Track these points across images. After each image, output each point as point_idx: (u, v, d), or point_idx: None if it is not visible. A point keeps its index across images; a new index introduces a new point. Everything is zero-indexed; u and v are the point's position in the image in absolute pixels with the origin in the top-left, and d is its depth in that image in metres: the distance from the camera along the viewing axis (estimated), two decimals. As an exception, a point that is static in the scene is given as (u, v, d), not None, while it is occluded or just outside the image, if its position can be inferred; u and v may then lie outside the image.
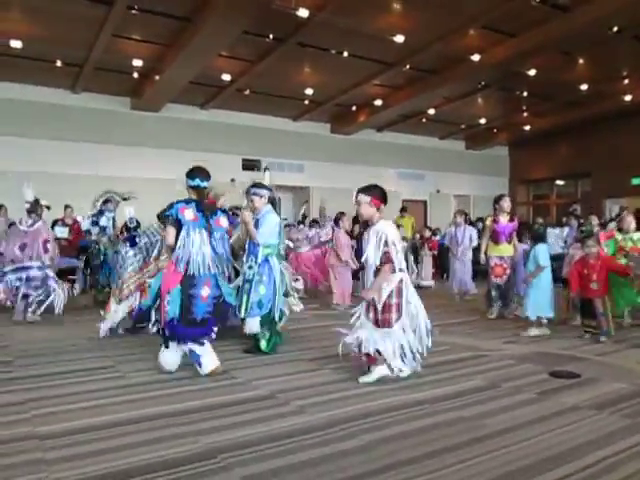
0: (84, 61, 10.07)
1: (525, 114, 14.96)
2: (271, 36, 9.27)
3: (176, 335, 4.25)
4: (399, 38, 9.09)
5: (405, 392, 3.77)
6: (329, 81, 11.70)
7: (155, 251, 5.92)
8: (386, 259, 3.91)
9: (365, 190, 4.15)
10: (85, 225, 6.31)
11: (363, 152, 15.29)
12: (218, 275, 4.35)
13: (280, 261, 5.11)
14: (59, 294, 6.73)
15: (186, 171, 4.43)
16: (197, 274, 4.19)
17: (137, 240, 5.97)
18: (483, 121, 15.30)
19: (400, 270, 3.99)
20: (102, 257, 7.55)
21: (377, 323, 3.96)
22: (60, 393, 3.79)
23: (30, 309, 6.87)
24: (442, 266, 11.50)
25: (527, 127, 15.76)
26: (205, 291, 4.25)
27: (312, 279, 8.87)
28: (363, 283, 5.74)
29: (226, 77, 11.02)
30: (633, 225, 6.28)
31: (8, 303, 6.82)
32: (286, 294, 5.14)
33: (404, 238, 9.52)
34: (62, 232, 8.88)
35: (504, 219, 6.90)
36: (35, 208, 7.03)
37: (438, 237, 12.01)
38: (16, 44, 9.13)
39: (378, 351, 3.94)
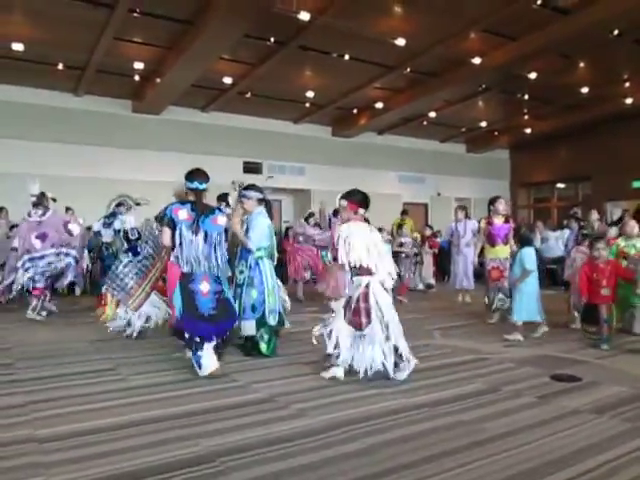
0: (86, 64, 10.07)
1: (526, 117, 14.95)
2: (272, 39, 9.27)
3: (185, 329, 4.32)
4: (400, 41, 9.09)
5: (406, 395, 3.77)
6: (330, 84, 11.71)
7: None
8: (333, 257, 4.00)
9: (345, 195, 4.32)
10: (96, 227, 6.34)
11: (364, 155, 15.29)
12: (216, 272, 4.41)
13: (272, 263, 5.07)
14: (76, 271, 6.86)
15: (185, 173, 4.54)
16: (193, 271, 4.31)
17: (139, 250, 5.97)
18: (484, 124, 15.30)
19: (369, 274, 4.03)
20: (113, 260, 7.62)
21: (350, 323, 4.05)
22: (60, 396, 3.79)
23: (37, 307, 7.02)
24: (443, 268, 11.51)
25: (528, 130, 15.76)
26: (204, 286, 4.33)
27: (314, 265, 9.02)
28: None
29: (227, 80, 11.03)
30: (636, 230, 6.14)
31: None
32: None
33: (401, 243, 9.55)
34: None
35: (499, 221, 6.85)
36: (41, 200, 7.14)
37: (439, 239, 12.02)
38: (18, 47, 9.13)
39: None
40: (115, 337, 5.85)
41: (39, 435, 3.05)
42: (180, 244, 4.30)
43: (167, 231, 4.37)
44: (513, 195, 18.16)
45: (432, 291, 10.61)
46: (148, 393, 3.85)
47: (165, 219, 4.42)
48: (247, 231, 4.98)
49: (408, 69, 10.88)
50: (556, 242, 10.74)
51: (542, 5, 8.22)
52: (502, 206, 6.91)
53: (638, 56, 10.52)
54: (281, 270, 9.99)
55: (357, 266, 4.07)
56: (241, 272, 5.00)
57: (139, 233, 6.13)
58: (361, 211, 4.24)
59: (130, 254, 5.91)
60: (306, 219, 9.65)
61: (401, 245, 9.46)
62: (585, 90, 12.18)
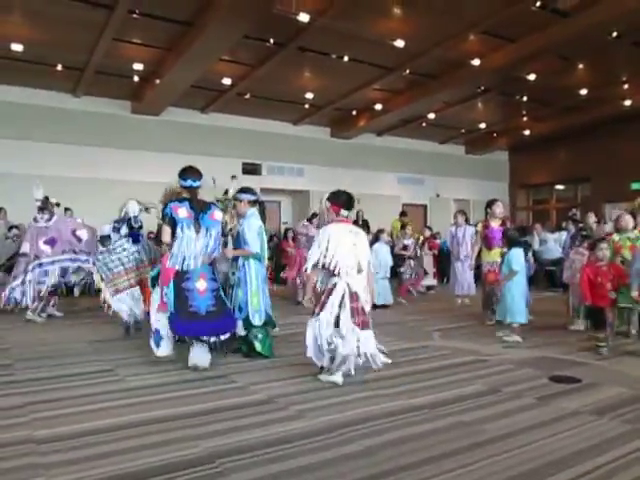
0: (85, 65, 10.07)
1: (525, 119, 14.98)
2: (272, 40, 9.27)
3: (175, 329, 4.39)
4: (399, 43, 9.10)
5: (405, 397, 3.76)
6: (329, 85, 11.72)
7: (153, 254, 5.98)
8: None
9: (329, 196, 4.36)
10: (105, 230, 6.38)
11: (363, 156, 15.29)
12: (214, 269, 4.52)
13: (261, 265, 5.05)
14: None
15: (178, 172, 4.64)
16: (190, 268, 4.37)
17: (140, 239, 6.01)
18: (483, 126, 15.32)
19: (338, 275, 4.03)
20: None
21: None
22: (59, 397, 3.78)
23: (37, 309, 7.07)
24: (442, 270, 11.51)
25: (527, 132, 15.77)
26: (201, 284, 4.41)
27: None
28: None
29: (227, 81, 11.03)
30: (631, 224, 6.06)
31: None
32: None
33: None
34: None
35: (495, 224, 6.81)
36: (46, 205, 7.21)
37: (439, 240, 12.02)
38: (17, 47, 9.12)
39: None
40: (114, 338, 5.85)
41: (38, 436, 3.04)
42: (179, 241, 4.37)
43: (167, 229, 4.45)
44: (512, 197, 18.17)
45: (431, 292, 10.62)
46: (147, 394, 3.84)
47: (166, 218, 4.48)
48: (238, 235, 5.01)
49: (407, 71, 10.89)
50: (555, 244, 10.75)
51: (541, 7, 8.23)
52: (499, 209, 6.88)
53: (637, 58, 10.54)
54: (280, 271, 10.00)
55: (332, 268, 4.05)
56: (233, 273, 5.07)
57: (141, 223, 6.17)
58: (344, 212, 4.25)
59: (130, 240, 5.94)
60: (309, 219, 9.58)
61: (405, 248, 9.43)
62: (584, 92, 12.20)
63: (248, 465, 2.67)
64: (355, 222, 11.61)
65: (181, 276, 4.38)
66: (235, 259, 5.04)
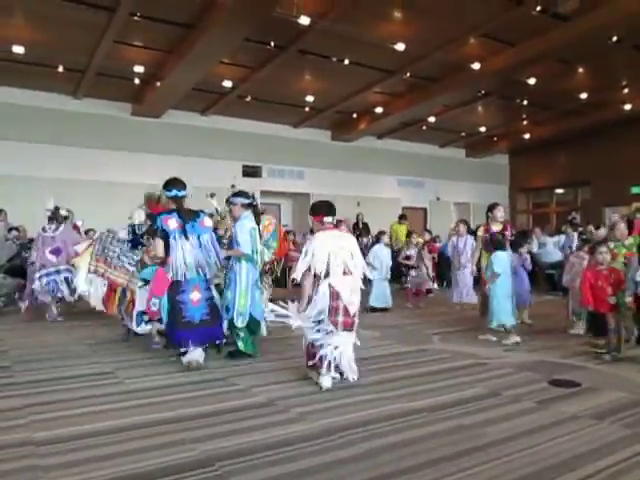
0: (86, 67, 10.09)
1: (525, 122, 15.01)
2: (272, 43, 9.29)
3: (176, 339, 4.50)
4: (400, 46, 9.12)
5: (405, 400, 3.76)
6: (330, 88, 11.74)
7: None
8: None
9: (309, 212, 4.49)
10: (121, 235, 6.41)
11: (363, 159, 15.32)
12: (208, 278, 4.61)
13: (254, 267, 5.05)
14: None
15: (163, 184, 4.73)
16: (185, 279, 4.46)
17: (139, 247, 5.99)
18: (483, 129, 15.34)
19: (322, 277, 4.12)
20: None
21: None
22: (58, 399, 3.78)
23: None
24: (442, 274, 11.49)
25: (527, 135, 15.81)
26: (195, 295, 4.51)
27: None
28: None
29: (227, 84, 11.05)
30: (625, 233, 5.97)
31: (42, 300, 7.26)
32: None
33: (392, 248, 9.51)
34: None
35: (497, 228, 6.80)
36: (56, 216, 7.39)
37: (438, 244, 12.00)
38: (18, 49, 9.15)
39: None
40: (113, 340, 5.84)
41: (37, 438, 3.04)
42: (175, 252, 4.45)
43: (160, 242, 4.54)
44: (512, 200, 18.20)
45: (430, 296, 10.60)
46: (146, 397, 3.84)
47: (157, 231, 4.55)
48: (232, 238, 5.04)
49: (408, 74, 10.92)
50: (554, 247, 10.76)
51: (541, 11, 8.25)
52: (500, 213, 6.86)
53: (637, 62, 10.56)
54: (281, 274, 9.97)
55: (321, 273, 4.13)
56: (226, 275, 5.14)
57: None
58: (327, 219, 4.36)
59: (128, 245, 5.97)
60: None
61: (408, 258, 9.39)
62: (584, 96, 12.23)
63: (248, 468, 2.67)
64: (355, 225, 11.62)
65: (176, 289, 4.48)
66: (228, 260, 5.09)
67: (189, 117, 12.96)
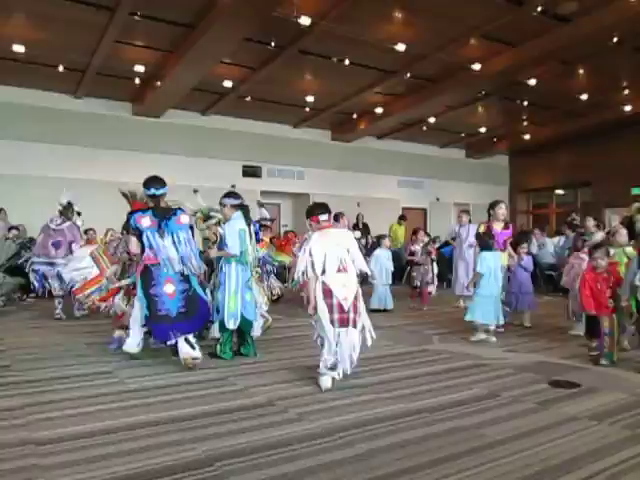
0: (86, 66, 10.09)
1: (525, 123, 14.99)
2: (273, 43, 9.28)
3: (157, 334, 4.67)
4: (400, 46, 9.11)
5: (404, 401, 3.75)
6: (330, 88, 11.73)
7: None
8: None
9: (306, 216, 4.58)
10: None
11: (363, 159, 15.31)
12: (189, 270, 4.64)
13: (244, 268, 5.04)
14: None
15: (143, 181, 4.81)
16: (157, 274, 4.53)
17: None
18: (483, 130, 15.33)
19: (323, 273, 4.18)
20: None
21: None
22: (57, 398, 3.78)
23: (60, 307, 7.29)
24: (442, 274, 11.48)
25: (527, 136, 15.79)
26: (169, 288, 4.56)
27: None
28: None
29: (227, 84, 11.05)
30: (626, 238, 5.83)
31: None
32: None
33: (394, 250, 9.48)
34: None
35: (498, 226, 6.76)
36: (66, 211, 7.51)
37: (437, 244, 11.99)
38: (19, 48, 9.14)
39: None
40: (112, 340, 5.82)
41: (36, 437, 3.04)
42: (151, 248, 4.55)
43: (133, 239, 4.66)
44: (512, 201, 18.18)
45: (431, 294, 10.58)
46: (146, 396, 3.84)
47: (130, 228, 4.67)
48: (222, 239, 5.03)
49: (408, 74, 10.91)
50: (554, 248, 10.78)
51: (542, 12, 8.25)
52: (502, 211, 6.79)
53: (637, 63, 10.56)
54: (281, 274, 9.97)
55: (314, 270, 4.19)
56: (216, 276, 5.15)
57: None
58: (323, 217, 4.42)
59: None
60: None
61: (413, 254, 9.36)
62: (585, 97, 12.21)
63: (247, 468, 2.66)
64: (355, 225, 11.62)
65: (148, 282, 4.55)
66: (217, 261, 5.11)
67: (189, 117, 12.96)
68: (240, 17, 7.77)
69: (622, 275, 5.17)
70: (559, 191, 17.98)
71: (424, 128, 14.72)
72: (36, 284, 7.37)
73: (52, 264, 7.21)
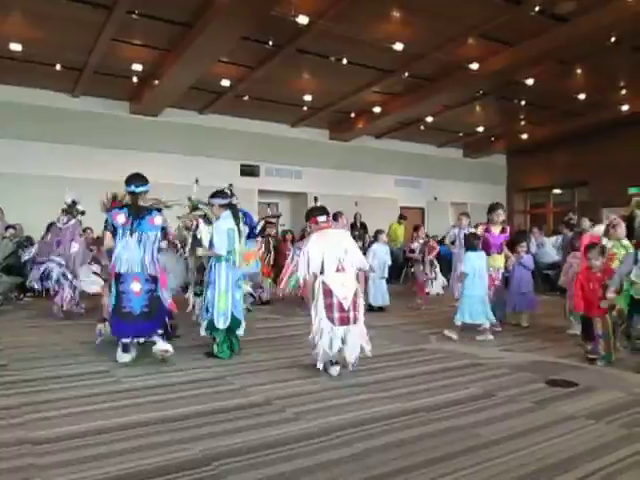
0: (83, 65, 10.06)
1: (523, 123, 15.01)
2: (270, 42, 9.27)
3: (115, 330, 4.77)
4: (398, 46, 9.11)
5: (401, 400, 3.76)
6: (328, 88, 11.72)
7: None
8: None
9: (305, 219, 4.80)
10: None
11: (361, 159, 15.31)
12: (149, 271, 4.72)
13: (234, 267, 5.03)
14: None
15: (125, 178, 4.93)
16: (125, 272, 4.65)
17: None
18: (481, 129, 15.33)
19: (322, 273, 4.29)
20: None
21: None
22: (54, 398, 3.77)
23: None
24: (442, 275, 11.47)
25: (525, 136, 15.80)
26: (136, 286, 4.68)
27: None
28: None
29: (225, 83, 11.03)
30: (625, 232, 5.81)
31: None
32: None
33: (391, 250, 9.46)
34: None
35: (496, 230, 6.78)
36: (71, 210, 7.55)
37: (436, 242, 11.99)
38: (16, 47, 9.11)
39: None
40: (109, 339, 5.81)
41: (34, 437, 3.03)
42: (118, 247, 4.67)
43: (109, 235, 4.78)
44: (510, 200, 18.19)
45: (429, 295, 10.59)
46: (142, 396, 3.83)
47: (107, 224, 4.80)
48: (212, 239, 5.02)
49: (406, 73, 10.91)
50: (552, 248, 10.79)
51: (540, 12, 8.25)
52: (501, 218, 6.80)
53: (635, 63, 10.58)
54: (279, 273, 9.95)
55: (313, 270, 4.31)
56: (207, 274, 5.15)
57: None
58: (321, 218, 4.54)
59: None
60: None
61: (412, 251, 9.40)
62: (582, 96, 12.22)
63: (244, 467, 2.66)
64: (353, 224, 11.61)
65: (119, 278, 4.67)
66: (208, 261, 5.12)
67: (187, 116, 12.93)
68: (238, 16, 7.76)
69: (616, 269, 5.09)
70: (556, 190, 18.00)
71: (422, 127, 14.71)
72: (36, 285, 7.33)
73: (54, 262, 7.21)
